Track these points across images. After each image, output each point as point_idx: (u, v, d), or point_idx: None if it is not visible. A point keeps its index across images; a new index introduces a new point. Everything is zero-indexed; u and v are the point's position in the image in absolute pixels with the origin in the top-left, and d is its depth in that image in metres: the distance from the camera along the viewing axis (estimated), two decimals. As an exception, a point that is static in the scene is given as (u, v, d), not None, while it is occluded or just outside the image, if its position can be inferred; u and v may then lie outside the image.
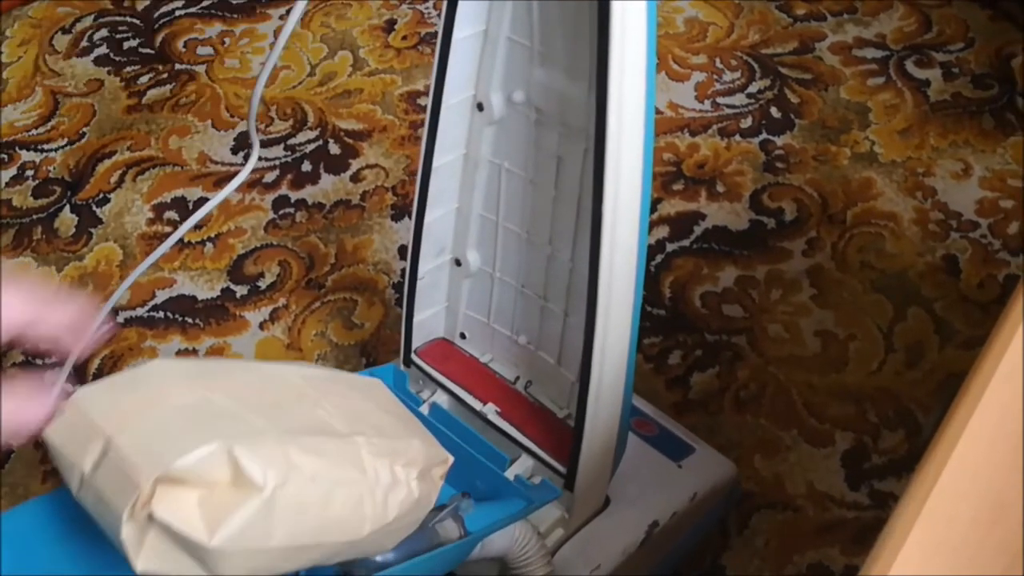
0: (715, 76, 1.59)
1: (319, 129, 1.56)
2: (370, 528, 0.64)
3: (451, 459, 0.73)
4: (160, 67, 1.68)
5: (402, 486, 0.66)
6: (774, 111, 1.53)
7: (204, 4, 1.80)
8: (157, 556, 0.56)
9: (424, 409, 0.93)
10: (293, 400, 0.66)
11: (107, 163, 1.53)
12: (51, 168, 1.53)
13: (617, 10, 0.65)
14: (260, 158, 1.47)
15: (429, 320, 0.96)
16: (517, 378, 0.94)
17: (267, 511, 0.57)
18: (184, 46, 1.72)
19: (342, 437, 0.64)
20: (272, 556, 0.59)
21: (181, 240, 1.40)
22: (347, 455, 0.63)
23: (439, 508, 0.80)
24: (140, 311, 1.33)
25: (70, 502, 0.62)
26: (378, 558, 0.72)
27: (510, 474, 0.87)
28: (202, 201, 1.46)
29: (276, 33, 1.73)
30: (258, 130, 1.52)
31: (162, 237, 1.42)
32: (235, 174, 1.48)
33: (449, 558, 0.80)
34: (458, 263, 0.92)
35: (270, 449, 0.58)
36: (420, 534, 0.75)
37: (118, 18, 1.78)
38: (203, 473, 0.56)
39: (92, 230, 1.44)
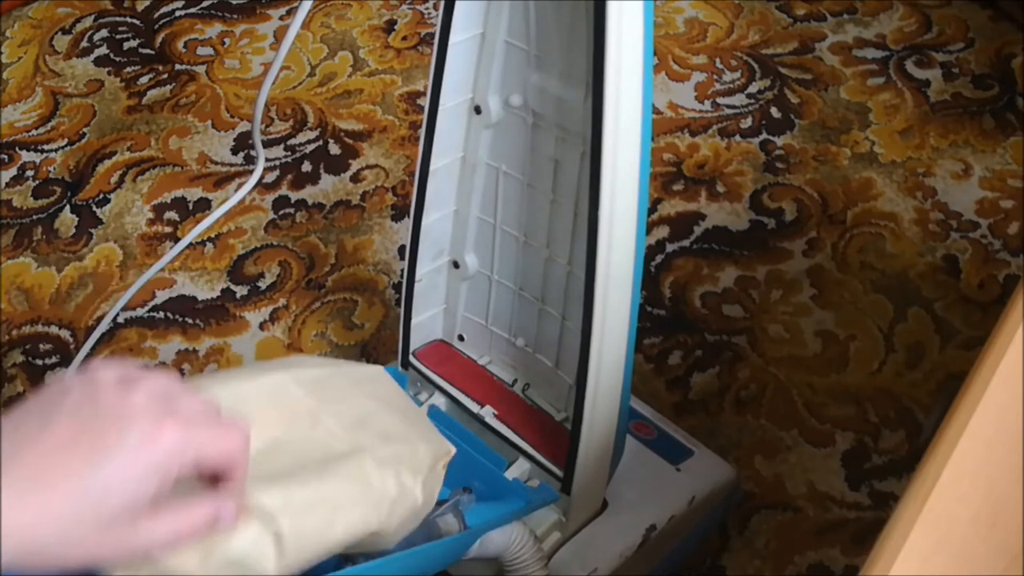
0: (715, 76, 1.59)
1: (319, 129, 1.56)
2: (374, 530, 0.64)
3: (453, 450, 0.73)
4: (160, 67, 1.68)
5: (408, 494, 0.65)
6: (774, 111, 1.53)
7: (204, 4, 1.79)
8: None
9: (422, 411, 0.93)
10: (287, 423, 0.64)
11: (107, 163, 1.53)
12: (51, 168, 1.53)
13: (613, 13, 0.65)
14: (260, 159, 1.47)
15: (427, 322, 0.96)
16: (515, 380, 0.95)
17: (265, 540, 0.56)
18: (184, 46, 1.72)
19: (344, 456, 0.63)
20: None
21: (180, 240, 1.40)
22: (350, 474, 0.63)
23: (440, 503, 0.81)
24: (140, 311, 1.33)
25: None
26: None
27: (507, 477, 0.87)
28: (202, 201, 1.46)
29: (276, 34, 1.73)
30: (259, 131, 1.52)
31: (162, 237, 1.42)
32: (235, 175, 1.50)
33: (447, 551, 0.80)
34: (456, 265, 0.92)
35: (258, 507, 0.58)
36: (420, 527, 0.75)
37: (118, 19, 1.78)
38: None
39: (92, 230, 1.44)
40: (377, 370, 0.76)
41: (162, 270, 1.37)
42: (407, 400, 0.76)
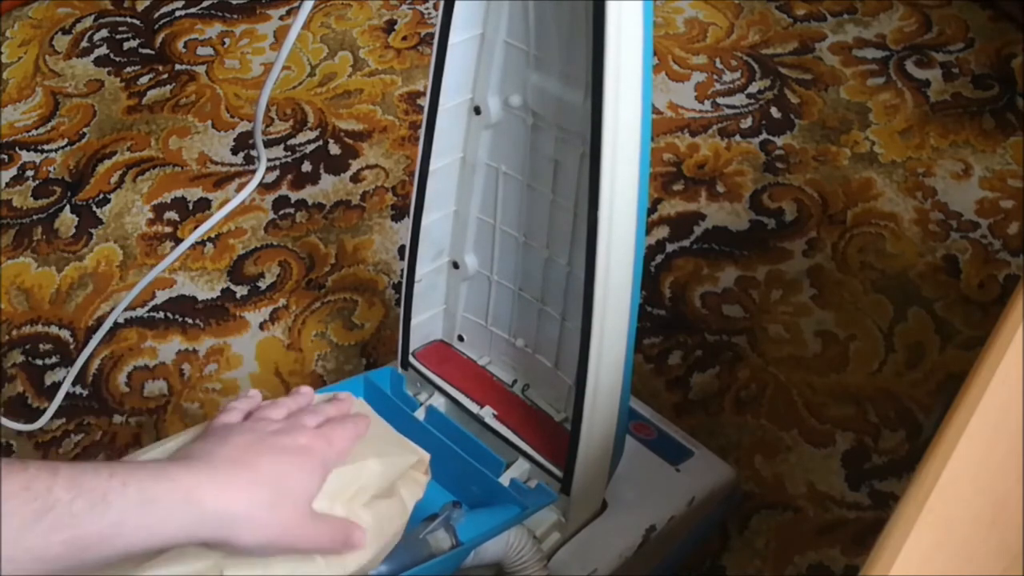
0: (715, 76, 1.59)
1: (319, 129, 1.56)
2: (314, 572, 0.64)
3: (427, 456, 0.73)
4: (160, 67, 1.68)
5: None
6: (774, 111, 1.53)
7: (204, 4, 1.80)
8: None
9: (420, 412, 0.93)
10: None
11: (107, 163, 1.53)
12: (51, 168, 1.53)
13: (613, 13, 0.65)
14: (260, 159, 1.47)
15: (427, 322, 0.96)
16: (515, 381, 0.94)
17: None
18: (184, 46, 1.72)
19: None
20: None
21: (180, 240, 1.40)
22: None
23: (431, 518, 0.80)
24: (140, 311, 1.33)
25: None
26: (370, 572, 0.72)
27: (506, 478, 0.87)
28: (202, 201, 1.46)
29: (276, 34, 1.73)
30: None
31: (162, 238, 1.42)
32: (235, 175, 1.50)
33: (441, 569, 0.79)
34: (456, 266, 0.92)
35: None
36: (411, 546, 0.75)
37: (118, 19, 1.78)
38: None
39: (92, 230, 1.44)
40: (341, 396, 0.76)
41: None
42: (369, 417, 0.75)
